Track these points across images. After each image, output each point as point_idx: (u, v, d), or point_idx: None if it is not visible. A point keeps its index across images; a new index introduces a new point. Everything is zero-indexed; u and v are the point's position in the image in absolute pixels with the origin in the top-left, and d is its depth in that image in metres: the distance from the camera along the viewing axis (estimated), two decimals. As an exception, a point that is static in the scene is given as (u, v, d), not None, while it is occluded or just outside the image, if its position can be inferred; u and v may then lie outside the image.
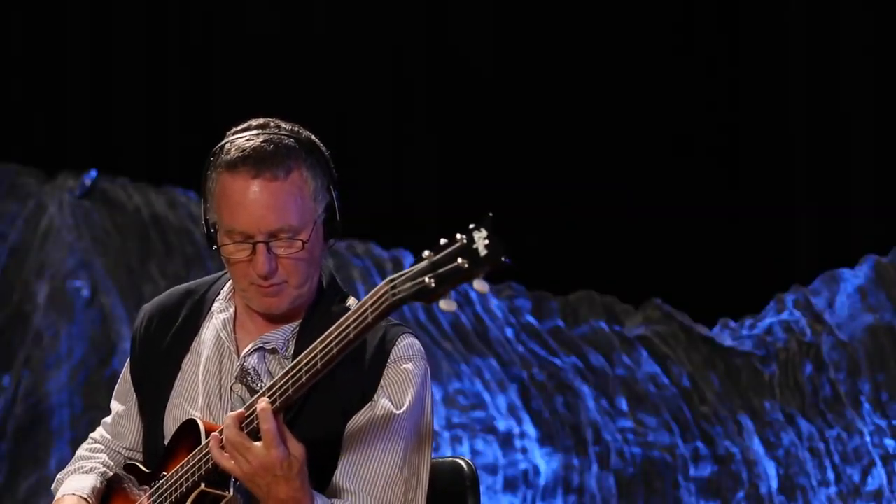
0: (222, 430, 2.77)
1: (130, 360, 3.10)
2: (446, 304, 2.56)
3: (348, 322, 2.66)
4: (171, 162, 6.72)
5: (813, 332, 6.16)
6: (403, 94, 6.70)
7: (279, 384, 2.73)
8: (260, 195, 2.85)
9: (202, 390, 2.97)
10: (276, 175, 2.86)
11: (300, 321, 2.94)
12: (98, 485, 3.05)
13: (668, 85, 6.47)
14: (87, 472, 3.09)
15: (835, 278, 6.19)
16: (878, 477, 5.96)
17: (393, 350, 2.90)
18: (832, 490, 6.01)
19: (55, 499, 3.05)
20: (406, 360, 2.90)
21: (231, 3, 6.79)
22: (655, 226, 6.42)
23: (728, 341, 6.27)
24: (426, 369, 2.93)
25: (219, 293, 3.05)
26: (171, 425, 2.96)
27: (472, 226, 2.54)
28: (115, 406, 3.14)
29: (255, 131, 2.91)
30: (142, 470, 2.99)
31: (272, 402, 2.71)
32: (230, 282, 3.03)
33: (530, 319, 6.40)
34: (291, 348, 2.93)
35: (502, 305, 6.42)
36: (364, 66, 6.69)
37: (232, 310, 3.00)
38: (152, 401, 3.01)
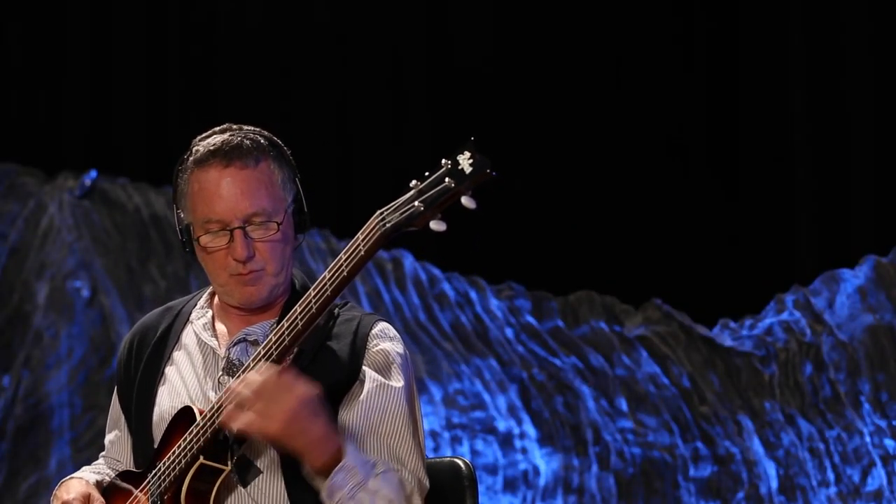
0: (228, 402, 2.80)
1: (117, 385, 3.16)
2: (436, 225, 2.65)
3: (341, 260, 2.74)
4: (171, 162, 6.70)
5: (813, 332, 6.16)
6: (403, 94, 6.70)
7: (275, 339, 2.81)
8: (233, 182, 2.96)
9: (189, 390, 3.01)
10: (247, 164, 2.97)
11: (277, 317, 2.99)
12: (100, 479, 3.09)
13: (667, 85, 6.47)
14: (91, 473, 3.14)
15: (835, 278, 6.19)
16: (878, 477, 5.96)
17: (370, 334, 2.97)
18: (832, 490, 6.01)
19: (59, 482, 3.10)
20: (384, 341, 2.98)
21: (231, 2, 6.79)
22: (655, 226, 6.42)
23: (728, 341, 6.27)
24: (405, 350, 3.00)
25: (196, 304, 3.13)
26: (159, 429, 3.00)
27: (455, 153, 2.64)
28: (109, 437, 3.20)
29: (218, 134, 3.03)
30: (136, 472, 3.02)
31: (267, 357, 2.80)
32: (207, 293, 3.13)
33: (530, 319, 6.40)
34: None
35: (502, 305, 6.42)
36: (364, 66, 6.69)
37: (210, 313, 3.09)
38: (140, 412, 3.06)
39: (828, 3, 6.31)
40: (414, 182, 2.67)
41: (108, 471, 3.15)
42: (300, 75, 6.68)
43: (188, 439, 2.87)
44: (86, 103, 6.77)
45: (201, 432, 2.85)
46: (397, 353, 2.97)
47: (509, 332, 6.37)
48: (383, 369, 2.94)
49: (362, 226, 2.65)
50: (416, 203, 2.64)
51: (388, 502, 2.81)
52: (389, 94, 6.69)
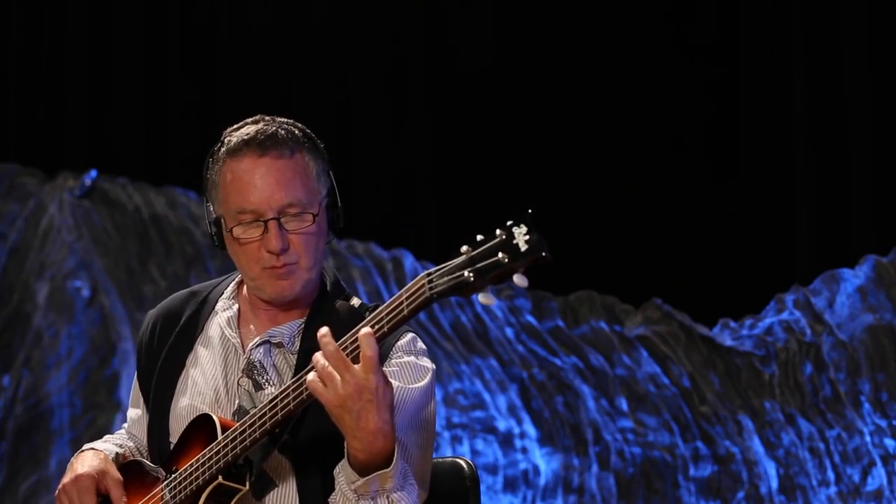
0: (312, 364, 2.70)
1: (137, 366, 3.11)
2: (485, 298, 2.60)
3: (382, 315, 2.65)
4: (171, 162, 6.73)
5: (813, 332, 6.16)
6: (404, 93, 6.70)
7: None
8: (268, 172, 2.89)
9: (209, 387, 2.98)
10: (282, 153, 2.91)
11: (305, 318, 2.94)
12: (120, 451, 3.05)
13: (668, 85, 6.47)
14: (113, 445, 3.10)
15: (835, 278, 6.19)
16: (878, 477, 5.96)
17: (395, 345, 2.91)
18: (832, 490, 6.01)
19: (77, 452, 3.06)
20: (408, 354, 2.91)
21: (232, 2, 6.79)
22: (655, 226, 6.42)
23: (728, 341, 6.27)
24: (432, 365, 2.93)
25: (222, 293, 3.07)
26: (177, 422, 2.97)
27: (510, 222, 2.56)
28: (130, 413, 3.16)
29: (251, 125, 2.97)
30: (149, 465, 2.99)
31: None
32: (234, 282, 3.06)
33: (530, 319, 6.40)
34: (297, 343, 2.94)
35: (502, 305, 6.42)
36: (364, 65, 6.69)
37: (236, 307, 3.02)
38: (158, 400, 3.02)
39: (828, 4, 6.31)
40: (465, 248, 2.57)
41: (131, 444, 3.11)
42: (300, 75, 6.68)
43: (208, 455, 2.82)
44: (86, 103, 6.77)
45: (222, 452, 2.80)
46: (421, 365, 2.90)
47: (509, 332, 6.37)
48: (404, 379, 2.87)
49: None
50: (467, 273, 2.56)
51: None
52: (389, 94, 6.68)
